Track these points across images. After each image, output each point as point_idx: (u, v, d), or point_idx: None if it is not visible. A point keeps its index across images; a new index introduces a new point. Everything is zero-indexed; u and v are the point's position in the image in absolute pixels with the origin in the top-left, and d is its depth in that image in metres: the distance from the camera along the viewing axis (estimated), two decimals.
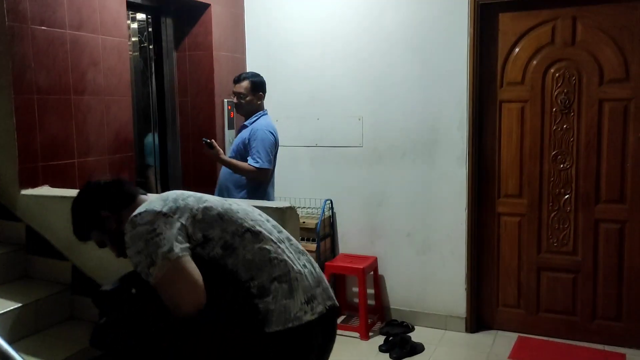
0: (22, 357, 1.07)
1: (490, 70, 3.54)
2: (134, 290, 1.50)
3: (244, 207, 1.66)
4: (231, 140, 3.78)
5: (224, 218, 1.56)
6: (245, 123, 3.38)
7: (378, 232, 3.90)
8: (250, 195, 3.26)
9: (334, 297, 1.66)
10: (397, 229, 3.84)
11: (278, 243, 1.59)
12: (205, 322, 1.43)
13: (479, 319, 3.72)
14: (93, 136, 2.97)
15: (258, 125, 3.32)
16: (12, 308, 2.23)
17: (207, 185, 3.71)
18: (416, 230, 3.79)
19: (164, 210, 1.51)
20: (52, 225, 2.61)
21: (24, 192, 2.61)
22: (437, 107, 3.64)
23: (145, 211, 1.51)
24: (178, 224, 1.49)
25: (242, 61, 4.14)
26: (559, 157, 3.44)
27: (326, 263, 3.79)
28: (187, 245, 1.47)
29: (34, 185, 2.66)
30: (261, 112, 3.41)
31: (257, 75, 3.42)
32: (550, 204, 3.49)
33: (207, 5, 3.80)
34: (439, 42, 3.58)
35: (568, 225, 3.46)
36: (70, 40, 2.82)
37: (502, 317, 3.69)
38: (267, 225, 1.64)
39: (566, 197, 3.45)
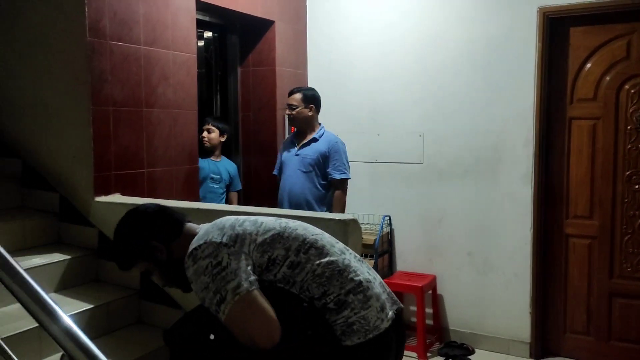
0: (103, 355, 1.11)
1: (559, 86, 3.42)
2: (212, 337, 1.46)
3: (301, 223, 1.63)
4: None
5: (284, 236, 1.52)
6: (315, 136, 3.46)
7: (437, 250, 3.82)
8: (329, 210, 3.39)
9: (397, 299, 1.65)
10: (457, 247, 3.75)
11: (342, 254, 1.57)
12: (280, 343, 1.39)
13: (544, 345, 3.56)
14: (162, 147, 3.07)
15: (332, 137, 3.48)
16: (85, 309, 2.32)
17: (269, 199, 3.76)
18: (477, 250, 3.68)
19: (224, 240, 1.47)
20: None
21: (97, 199, 2.72)
22: (502, 123, 3.56)
23: (204, 243, 1.46)
24: (242, 255, 1.45)
25: (304, 76, 4.20)
26: (634, 177, 3.27)
27: (383, 280, 3.73)
28: (255, 277, 1.44)
29: (107, 192, 2.77)
30: (321, 125, 3.51)
31: (310, 89, 3.57)
32: (624, 226, 3.31)
33: (272, 22, 3.89)
34: (504, 57, 3.51)
35: None
36: (144, 56, 2.95)
37: (569, 344, 3.51)
38: (327, 238, 1.61)
39: None
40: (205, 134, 3.68)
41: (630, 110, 3.26)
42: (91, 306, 2.34)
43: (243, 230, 1.50)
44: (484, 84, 3.60)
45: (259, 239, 1.49)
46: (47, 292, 1.22)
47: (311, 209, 3.32)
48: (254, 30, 3.93)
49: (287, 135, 3.94)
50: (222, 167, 3.71)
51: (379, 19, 3.91)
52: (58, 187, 2.87)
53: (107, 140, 2.76)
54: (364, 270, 1.58)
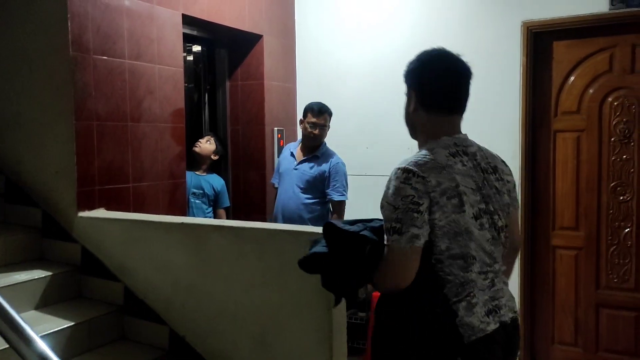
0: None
1: (543, 100, 3.45)
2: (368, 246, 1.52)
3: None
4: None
5: (458, 239, 1.49)
6: (316, 154, 3.42)
7: None
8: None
9: (516, 309, 1.64)
10: None
11: (487, 267, 1.56)
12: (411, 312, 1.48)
13: (532, 356, 3.55)
14: (148, 162, 3.06)
15: (336, 158, 3.44)
16: (66, 326, 2.28)
17: (257, 213, 3.75)
18: None
19: (433, 194, 1.45)
20: (107, 247, 2.68)
21: (81, 214, 2.69)
22: (489, 137, 3.50)
23: (424, 177, 1.45)
24: (426, 217, 1.45)
25: (293, 90, 4.21)
26: (619, 188, 3.29)
27: (373, 293, 3.72)
28: (424, 241, 1.45)
29: (91, 208, 2.75)
30: (324, 143, 3.48)
31: (329, 107, 3.51)
32: (609, 237, 3.32)
33: (260, 37, 3.90)
34: (490, 72, 3.53)
35: (629, 260, 3.28)
36: (129, 70, 2.94)
37: (557, 355, 3.50)
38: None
39: (627, 230, 3.28)
40: (202, 140, 3.64)
41: (614, 122, 3.28)
42: (73, 323, 2.31)
43: (444, 204, 1.48)
44: (471, 97, 3.60)
45: (448, 219, 1.47)
46: (23, 311, 1.19)
47: (304, 224, 3.25)
48: (242, 44, 3.94)
49: (275, 149, 3.94)
50: (206, 182, 3.66)
51: (367, 33, 3.94)
52: (41, 202, 2.84)
53: (91, 155, 2.74)
54: (486, 275, 1.55)
